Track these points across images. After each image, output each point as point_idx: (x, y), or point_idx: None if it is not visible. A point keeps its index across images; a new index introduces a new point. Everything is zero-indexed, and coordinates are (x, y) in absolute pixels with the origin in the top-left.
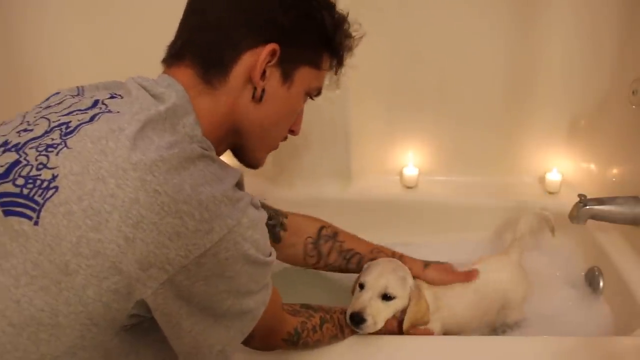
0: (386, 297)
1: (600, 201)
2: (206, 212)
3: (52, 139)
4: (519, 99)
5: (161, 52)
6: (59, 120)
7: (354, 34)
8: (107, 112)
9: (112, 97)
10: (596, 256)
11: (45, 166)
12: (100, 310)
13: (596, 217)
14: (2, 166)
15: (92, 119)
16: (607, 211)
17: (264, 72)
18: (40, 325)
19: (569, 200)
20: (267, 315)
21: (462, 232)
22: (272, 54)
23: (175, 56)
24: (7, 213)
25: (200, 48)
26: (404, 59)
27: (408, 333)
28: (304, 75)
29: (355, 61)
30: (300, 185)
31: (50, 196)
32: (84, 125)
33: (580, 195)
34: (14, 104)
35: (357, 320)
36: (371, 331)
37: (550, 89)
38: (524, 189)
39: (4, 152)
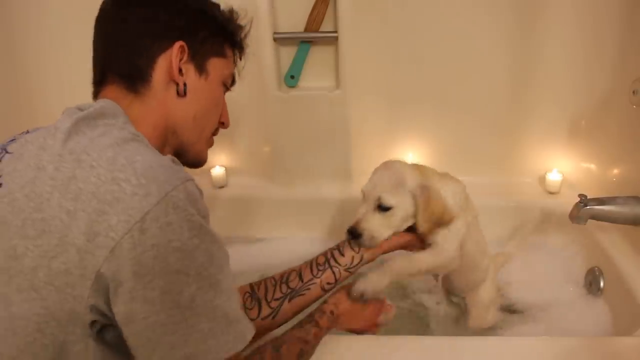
0: (382, 208)
1: (600, 201)
2: (142, 178)
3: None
4: (519, 100)
5: None
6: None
7: (243, 21)
8: (37, 132)
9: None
10: (597, 256)
11: None
12: (55, 297)
13: (597, 217)
14: None
15: (27, 132)
16: (608, 211)
17: (180, 70)
18: None
19: (570, 201)
20: None
21: None
22: (182, 50)
23: (99, 83)
24: None
25: (118, 67)
26: (404, 60)
27: (427, 238)
28: (215, 66)
29: (356, 61)
30: (300, 185)
31: None
32: (21, 136)
33: (580, 196)
34: (15, 104)
35: (354, 235)
36: (372, 245)
37: (550, 89)
38: (525, 189)
39: None
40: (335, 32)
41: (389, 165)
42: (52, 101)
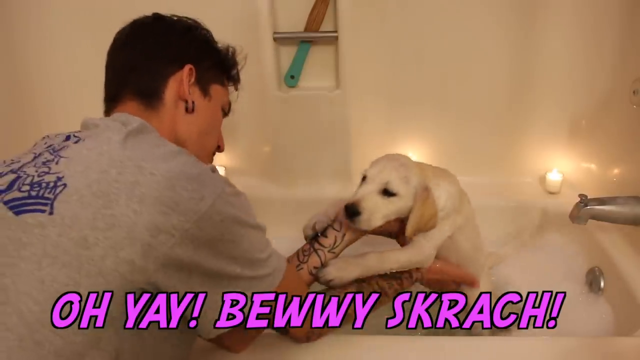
0: (387, 193)
1: (601, 201)
2: (195, 184)
3: (45, 158)
4: (519, 100)
5: None
6: (43, 149)
7: (239, 57)
8: (85, 138)
9: (79, 132)
10: (597, 256)
11: (47, 173)
12: (117, 282)
13: (597, 217)
14: (2, 185)
15: (69, 139)
16: (608, 211)
17: (188, 90)
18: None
19: (570, 201)
20: (290, 292)
21: None
22: (190, 73)
23: (115, 98)
24: (18, 213)
25: (136, 85)
26: (404, 60)
27: (409, 239)
28: (216, 91)
29: (356, 61)
30: (300, 185)
31: (60, 192)
32: (69, 143)
33: (581, 195)
34: (15, 104)
35: (352, 212)
36: (366, 227)
37: (551, 89)
38: (525, 189)
39: (1, 177)
40: (335, 32)
41: (395, 156)
42: (53, 100)
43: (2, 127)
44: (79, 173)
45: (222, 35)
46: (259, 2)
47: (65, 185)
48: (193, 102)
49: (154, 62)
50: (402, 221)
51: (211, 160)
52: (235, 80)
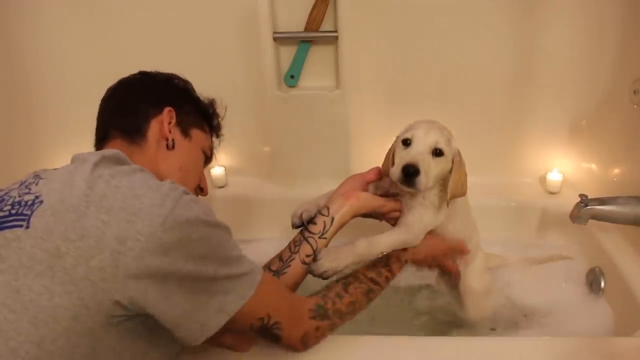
0: (436, 153)
1: (601, 201)
2: (156, 192)
3: (28, 182)
4: (520, 99)
5: (158, 49)
6: (30, 177)
7: (219, 109)
8: (67, 165)
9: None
10: (597, 256)
11: (27, 193)
12: (89, 290)
13: (597, 217)
14: None
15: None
16: (609, 211)
17: (169, 130)
18: (39, 307)
19: (570, 201)
20: (274, 295)
21: None
22: (170, 114)
23: (104, 138)
24: None
25: (122, 125)
26: (404, 59)
27: (448, 205)
28: (197, 134)
29: (356, 61)
30: (300, 185)
31: (37, 208)
32: (50, 171)
33: (581, 195)
34: (15, 103)
35: (411, 172)
36: (423, 188)
37: (551, 89)
38: (525, 189)
39: None
40: (335, 31)
41: (432, 120)
42: (51, 99)
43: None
44: (54, 190)
45: (222, 35)
46: (259, 2)
47: (41, 202)
48: (173, 140)
49: (137, 104)
50: (396, 201)
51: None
52: (215, 130)
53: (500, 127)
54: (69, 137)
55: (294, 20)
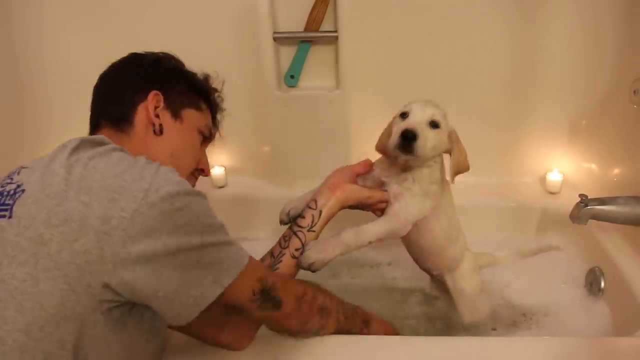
0: (433, 125)
1: (601, 201)
2: (135, 169)
3: (11, 172)
4: (519, 99)
5: (159, 48)
6: (14, 169)
7: (215, 83)
8: (48, 154)
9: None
10: (597, 256)
11: (9, 183)
12: (75, 274)
13: (597, 217)
14: None
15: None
16: (609, 211)
17: (157, 114)
18: (24, 294)
19: (570, 201)
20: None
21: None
22: (157, 99)
23: (96, 126)
24: None
25: (110, 114)
26: (404, 59)
27: (452, 181)
28: (190, 115)
29: (356, 61)
30: (300, 185)
31: (19, 197)
32: (32, 160)
33: (581, 195)
34: (14, 101)
35: (410, 137)
36: (422, 153)
37: (551, 89)
38: (525, 189)
39: None
40: (335, 31)
41: (429, 99)
42: (52, 98)
43: (2, 126)
44: (34, 179)
45: (223, 35)
46: (259, 2)
47: (23, 191)
48: (161, 125)
49: (123, 92)
50: (382, 191)
51: (192, 184)
52: (213, 105)
53: (500, 127)
54: (71, 134)
55: (294, 20)
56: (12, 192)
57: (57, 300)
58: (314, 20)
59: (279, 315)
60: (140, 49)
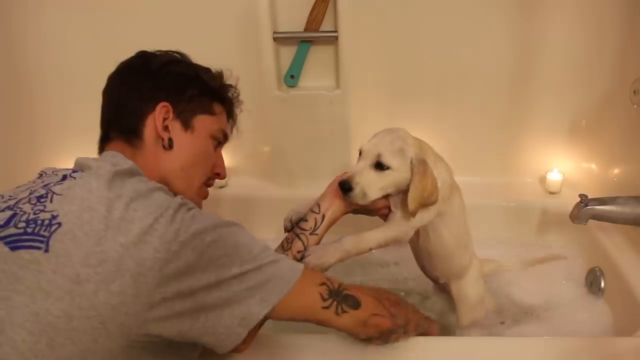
0: (380, 166)
1: (601, 201)
2: (170, 210)
3: (39, 193)
4: (519, 99)
5: (159, 48)
6: (39, 187)
7: (229, 81)
8: (78, 177)
9: (74, 172)
10: (597, 256)
11: (42, 211)
12: (109, 313)
13: (597, 217)
14: (0, 220)
15: (65, 179)
16: (609, 211)
17: (166, 127)
18: (57, 330)
19: (570, 201)
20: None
21: None
22: (166, 110)
23: (105, 139)
24: (14, 248)
25: (118, 126)
26: (404, 59)
27: (412, 214)
28: (202, 122)
29: (356, 61)
30: (300, 185)
31: (55, 230)
32: (62, 182)
33: (581, 195)
34: (15, 101)
35: (345, 188)
36: (362, 202)
37: (551, 89)
38: (525, 189)
39: None
40: (335, 31)
41: (393, 130)
42: (52, 98)
43: (2, 125)
44: (71, 213)
45: (223, 35)
46: (259, 2)
47: (59, 224)
48: (170, 139)
49: (130, 102)
50: (385, 198)
51: (205, 192)
52: (229, 104)
53: (500, 127)
54: (70, 134)
55: (294, 20)
56: (47, 222)
57: (90, 337)
58: (314, 20)
59: (363, 313)
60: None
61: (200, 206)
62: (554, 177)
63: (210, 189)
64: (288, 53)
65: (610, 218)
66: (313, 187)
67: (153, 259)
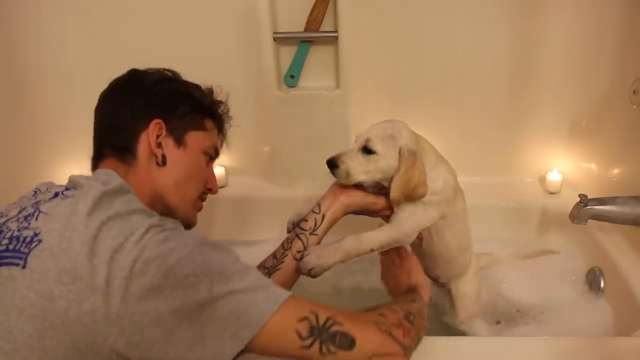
0: (366, 151)
1: (601, 201)
2: (139, 232)
3: (27, 212)
4: (519, 100)
5: (159, 49)
6: (29, 205)
7: (220, 97)
8: (70, 196)
9: (67, 189)
10: (597, 256)
11: (26, 228)
12: (81, 332)
13: (597, 217)
14: None
15: (57, 196)
16: (608, 211)
17: (159, 143)
18: (30, 349)
19: (570, 201)
20: (309, 302)
21: None
22: (159, 127)
23: (99, 156)
24: None
25: (111, 144)
26: (404, 60)
27: (394, 204)
28: (194, 138)
29: (356, 61)
30: (300, 185)
31: (35, 246)
32: (52, 199)
33: (581, 195)
34: (14, 100)
35: (331, 165)
36: (345, 182)
37: (551, 89)
38: (525, 189)
39: None
40: (335, 31)
41: (391, 120)
42: (51, 97)
43: (1, 125)
44: (54, 230)
45: (223, 35)
46: (259, 2)
47: (40, 241)
48: (163, 156)
49: (123, 119)
50: (387, 199)
51: (199, 206)
52: (220, 120)
53: (500, 127)
54: (70, 134)
55: (294, 20)
56: (28, 239)
57: (62, 356)
58: (314, 20)
59: (359, 355)
60: (140, 49)
61: (194, 220)
62: (554, 177)
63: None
64: (288, 53)
65: (610, 218)
66: (313, 187)
67: (120, 277)
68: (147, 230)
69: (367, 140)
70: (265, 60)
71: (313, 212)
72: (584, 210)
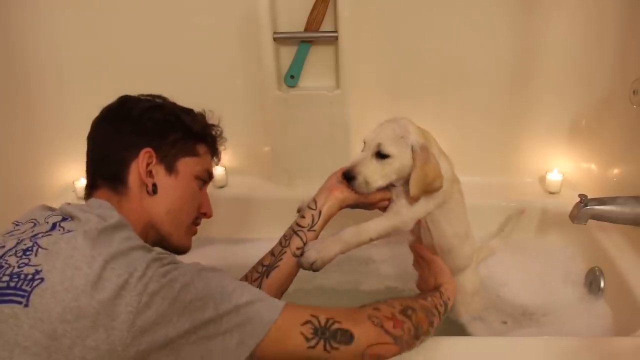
0: (380, 155)
1: (601, 201)
2: (142, 267)
3: (26, 245)
4: (519, 100)
5: (159, 49)
6: (27, 237)
7: (211, 121)
8: (67, 231)
9: (64, 219)
10: (597, 256)
11: (26, 265)
12: None
13: (597, 217)
14: None
15: (55, 228)
16: (608, 211)
17: (150, 172)
18: None
19: (570, 201)
20: (308, 307)
21: None
22: (149, 155)
23: (92, 186)
24: None
25: (103, 174)
26: (404, 60)
27: (415, 200)
28: (186, 165)
29: (356, 61)
30: (300, 185)
31: (37, 285)
32: (51, 233)
33: (581, 195)
34: (13, 101)
35: (348, 177)
36: (365, 191)
37: (551, 89)
38: (525, 189)
39: None
40: (335, 31)
41: (395, 118)
42: (50, 97)
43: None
44: (55, 269)
45: (223, 35)
46: (259, 2)
47: (42, 279)
48: (154, 184)
49: (113, 150)
50: (384, 190)
51: (193, 230)
52: (212, 144)
53: (500, 126)
54: (67, 134)
55: (294, 20)
56: (30, 277)
57: None
58: (314, 21)
59: (358, 347)
60: (140, 49)
61: (189, 245)
62: (554, 177)
63: (210, 189)
64: (288, 53)
65: (610, 218)
66: (313, 187)
67: (126, 312)
68: (148, 266)
69: (379, 144)
70: (265, 60)
71: (309, 208)
72: (584, 210)
